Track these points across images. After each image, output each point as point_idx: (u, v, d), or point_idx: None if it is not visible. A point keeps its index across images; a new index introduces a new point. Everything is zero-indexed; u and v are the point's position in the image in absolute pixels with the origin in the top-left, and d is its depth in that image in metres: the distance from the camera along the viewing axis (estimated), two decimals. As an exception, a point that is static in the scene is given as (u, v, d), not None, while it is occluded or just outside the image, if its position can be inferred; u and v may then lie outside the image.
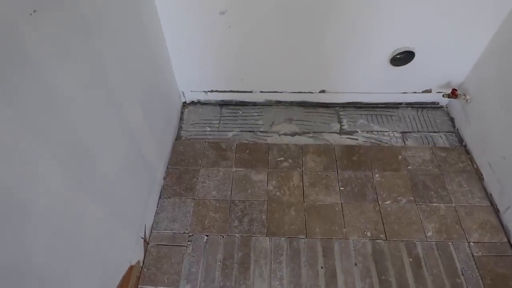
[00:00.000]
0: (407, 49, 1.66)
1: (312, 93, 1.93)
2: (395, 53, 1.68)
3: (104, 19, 1.01)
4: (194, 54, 1.72)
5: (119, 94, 1.13)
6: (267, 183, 1.64)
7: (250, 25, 1.58)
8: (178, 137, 1.84)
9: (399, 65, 1.75)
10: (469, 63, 1.74)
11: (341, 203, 1.57)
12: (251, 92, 1.93)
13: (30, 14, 0.69)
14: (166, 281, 1.34)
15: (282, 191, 1.61)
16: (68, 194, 0.85)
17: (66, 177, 0.84)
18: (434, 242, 1.46)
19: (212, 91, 1.94)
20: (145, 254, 1.39)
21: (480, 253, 1.42)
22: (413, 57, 1.70)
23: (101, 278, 1.04)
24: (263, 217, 1.52)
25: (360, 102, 1.99)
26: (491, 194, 1.58)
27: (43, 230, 0.77)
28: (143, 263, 1.38)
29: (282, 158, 1.73)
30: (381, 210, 1.55)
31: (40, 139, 0.75)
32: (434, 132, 1.89)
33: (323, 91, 1.92)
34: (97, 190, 1.00)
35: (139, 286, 1.32)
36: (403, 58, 1.71)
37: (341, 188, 1.62)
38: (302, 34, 1.61)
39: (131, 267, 1.26)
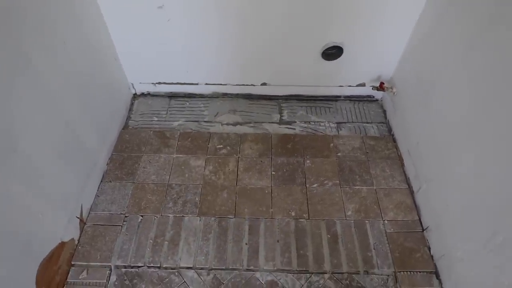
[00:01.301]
0: (336, 45, 1.80)
1: (254, 85, 2.05)
2: (325, 48, 1.81)
3: (28, 9, 1.10)
4: (139, 47, 1.82)
5: (48, 82, 1.22)
6: (205, 168, 1.75)
7: (189, 18, 1.68)
8: (125, 126, 1.94)
9: (331, 60, 1.88)
10: (395, 58, 1.88)
11: (271, 186, 1.70)
12: (197, 84, 2.03)
13: None
14: (99, 257, 1.44)
15: (217, 176, 1.72)
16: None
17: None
18: (352, 221, 1.59)
19: (160, 83, 2.04)
20: (81, 233, 1.49)
21: (392, 229, 1.57)
22: (342, 52, 1.83)
23: (23, 248, 1.13)
24: (197, 199, 1.63)
25: (302, 95, 2.12)
26: (408, 178, 1.73)
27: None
28: (79, 241, 1.47)
29: (221, 146, 1.85)
30: (308, 193, 1.68)
31: None
32: (367, 123, 2.03)
33: (264, 84, 2.04)
34: (19, 167, 1.09)
35: (72, 262, 1.41)
36: (334, 53, 1.84)
37: (273, 173, 1.75)
38: (241, 26, 1.72)
39: (63, 243, 1.35)
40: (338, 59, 1.87)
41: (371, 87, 1.99)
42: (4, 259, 1.06)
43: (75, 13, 1.41)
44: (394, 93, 1.90)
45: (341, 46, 1.80)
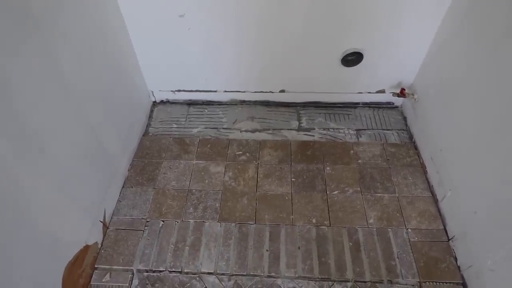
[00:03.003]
0: (356, 51, 1.79)
1: (272, 92, 2.06)
2: (344, 54, 1.81)
3: (57, 17, 1.14)
4: (160, 55, 1.86)
5: (74, 87, 1.26)
6: (224, 175, 1.75)
7: (208, 27, 1.71)
8: (146, 133, 1.97)
9: (351, 66, 1.88)
10: (416, 64, 1.87)
11: (291, 193, 1.69)
12: (215, 91, 2.06)
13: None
14: (121, 261, 1.45)
15: (237, 182, 1.72)
16: (13, 168, 0.97)
17: (12, 154, 0.96)
18: (374, 228, 1.56)
19: (179, 90, 2.07)
20: (104, 237, 1.51)
21: (416, 238, 1.53)
22: (362, 59, 1.83)
23: (50, 248, 1.15)
24: (217, 204, 1.63)
25: (320, 102, 2.12)
26: (432, 185, 1.69)
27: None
28: (102, 245, 1.49)
29: (241, 152, 1.86)
30: (328, 200, 1.66)
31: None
32: (388, 129, 2.01)
33: (283, 91, 2.05)
34: (47, 171, 1.12)
35: (95, 265, 1.43)
36: (354, 59, 1.84)
37: (293, 179, 1.74)
38: (260, 34, 1.74)
39: (87, 246, 1.37)
40: (358, 65, 1.87)
41: (392, 94, 1.98)
42: (32, 261, 1.08)
43: (101, 20, 1.45)
44: (415, 99, 1.88)
45: (361, 52, 1.80)
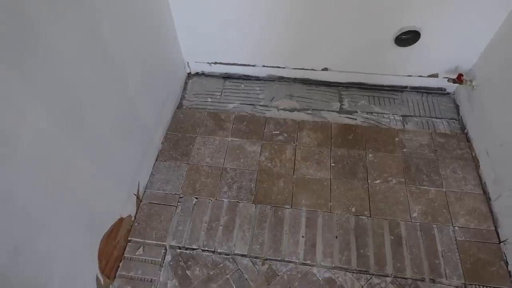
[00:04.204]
0: (413, 29, 1.63)
1: (314, 70, 1.93)
2: (400, 33, 1.65)
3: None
4: (200, 25, 1.75)
5: (115, 55, 1.19)
6: (260, 154, 1.68)
7: (255, -3, 1.58)
8: (180, 106, 1.90)
9: (405, 46, 1.71)
10: (478, 48, 1.69)
11: (331, 178, 1.60)
12: (254, 66, 1.95)
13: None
14: (154, 235, 1.42)
15: (273, 163, 1.65)
16: (55, 138, 0.93)
17: (53, 123, 0.92)
18: (418, 223, 1.47)
19: (216, 63, 1.97)
20: (137, 210, 1.48)
21: (463, 237, 1.43)
22: (419, 38, 1.66)
23: (87, 224, 1.13)
24: (252, 185, 1.57)
25: (364, 83, 1.98)
26: (485, 182, 1.56)
27: (27, 169, 0.84)
28: (135, 218, 1.47)
29: (278, 132, 1.76)
30: (369, 189, 1.56)
31: (29, 84, 0.82)
32: (437, 118, 1.85)
33: (325, 69, 1.91)
34: (85, 142, 1.07)
35: (129, 238, 1.41)
36: (409, 38, 1.67)
37: (332, 165, 1.64)
38: (308, 8, 1.61)
39: (121, 219, 1.35)
40: (412, 45, 1.70)
41: (447, 79, 1.80)
42: (70, 231, 1.05)
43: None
44: (473, 86, 1.71)
45: (418, 30, 1.63)
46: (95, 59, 1.08)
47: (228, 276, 1.33)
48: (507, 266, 1.35)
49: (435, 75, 1.87)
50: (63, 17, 0.91)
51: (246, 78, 2.02)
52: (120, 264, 1.35)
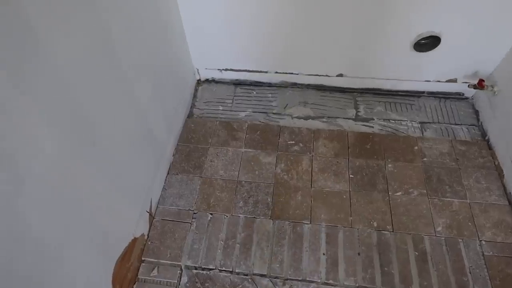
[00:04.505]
0: (433, 34, 1.56)
1: (329, 76, 1.86)
2: (419, 38, 1.58)
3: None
4: (210, 31, 1.68)
5: (125, 65, 1.12)
6: (276, 166, 1.62)
7: (268, 3, 1.51)
8: (190, 115, 1.83)
9: (423, 51, 1.65)
10: (500, 52, 1.62)
11: (350, 191, 1.54)
12: (266, 72, 1.88)
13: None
14: (169, 255, 1.36)
15: (290, 175, 1.59)
16: (66, 163, 0.86)
17: (65, 146, 0.85)
18: (443, 238, 1.41)
19: (227, 69, 1.90)
20: (150, 228, 1.42)
21: (491, 252, 1.37)
22: (438, 43, 1.60)
23: (100, 249, 1.07)
24: (269, 199, 1.51)
25: (380, 89, 1.91)
26: (510, 193, 1.50)
27: (38, 198, 0.78)
28: (148, 236, 1.41)
29: (293, 142, 1.70)
30: (391, 201, 1.50)
31: (38, 104, 0.75)
32: (456, 124, 1.79)
33: (340, 75, 1.84)
34: (98, 163, 1.01)
35: (142, 258, 1.35)
36: (428, 43, 1.61)
37: (351, 176, 1.58)
38: (322, 13, 1.54)
39: (135, 239, 1.29)
40: (431, 51, 1.64)
41: (467, 85, 1.74)
42: (84, 258, 0.99)
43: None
44: (495, 92, 1.64)
45: (439, 36, 1.56)
46: (106, 74, 1.02)
47: (248, 297, 1.27)
48: (537, 283, 1.30)
49: (454, 80, 1.80)
50: (74, 36, 0.84)
51: (258, 84, 1.96)
52: (135, 287, 1.29)
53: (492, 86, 1.65)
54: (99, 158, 1.01)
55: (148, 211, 1.40)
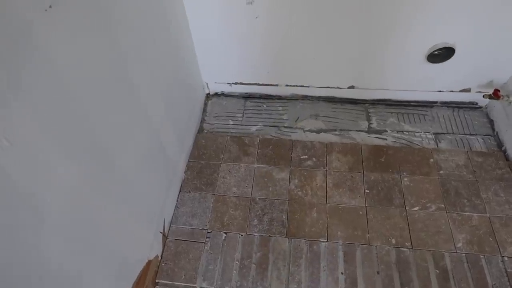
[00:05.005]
0: (447, 45, 1.54)
1: (340, 88, 1.84)
2: (433, 49, 1.56)
3: (123, 9, 0.97)
4: (219, 45, 1.67)
5: (139, 87, 1.10)
6: (290, 182, 1.59)
7: (278, 16, 1.50)
8: (200, 130, 1.82)
9: (437, 62, 1.62)
10: (515, 62, 1.59)
11: (366, 206, 1.51)
12: (276, 85, 1.86)
13: (46, 10, 0.66)
14: (183, 277, 1.34)
15: (304, 191, 1.56)
16: (85, 194, 0.84)
17: (82, 177, 0.83)
18: (464, 254, 1.37)
19: (236, 83, 1.89)
20: (163, 249, 1.40)
21: (514, 269, 1.33)
22: (452, 54, 1.57)
23: (118, 274, 1.05)
24: (284, 217, 1.48)
25: (391, 100, 1.89)
26: (531, 206, 1.46)
27: (57, 233, 0.76)
28: (161, 257, 1.38)
29: (306, 156, 1.67)
30: (408, 217, 1.47)
31: (55, 138, 0.73)
32: (471, 134, 1.76)
33: (352, 87, 1.82)
34: (115, 188, 0.99)
35: (156, 280, 1.32)
36: (442, 54, 1.58)
37: (367, 191, 1.55)
38: (333, 26, 1.52)
39: (149, 262, 1.26)
40: (445, 61, 1.61)
41: (482, 95, 1.71)
42: (101, 284, 0.97)
43: (162, 8, 1.27)
44: (510, 102, 1.61)
45: (453, 47, 1.54)
46: (117, 94, 0.99)
47: (266, 321, 1.24)
48: None
49: (467, 90, 1.78)
50: (83, 52, 0.82)
51: (268, 97, 1.94)
52: (150, 311, 1.26)
53: (508, 96, 1.62)
54: (114, 183, 0.99)
55: (162, 231, 1.38)
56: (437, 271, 1.34)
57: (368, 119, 1.84)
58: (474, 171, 1.61)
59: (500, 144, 1.70)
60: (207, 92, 1.97)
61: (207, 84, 1.91)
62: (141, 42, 1.10)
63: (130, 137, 1.07)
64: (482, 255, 1.37)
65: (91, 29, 0.82)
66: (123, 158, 1.03)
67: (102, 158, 0.91)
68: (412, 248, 1.39)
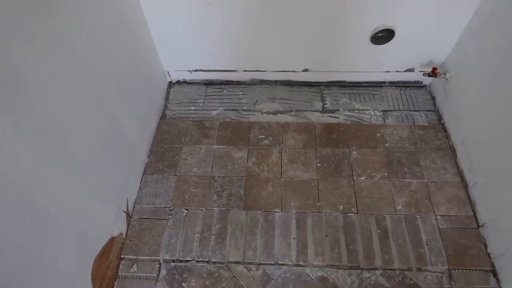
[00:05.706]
0: (387, 28, 1.67)
1: (295, 71, 1.95)
2: (375, 32, 1.69)
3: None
4: (176, 34, 1.74)
5: (92, 74, 1.18)
6: (247, 160, 1.70)
7: (230, 2, 1.58)
8: (163, 116, 1.90)
9: (380, 44, 1.76)
10: (450, 42, 1.74)
11: (317, 179, 1.64)
12: (234, 71, 1.96)
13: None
14: (147, 251, 1.43)
15: (261, 168, 1.67)
16: (36, 166, 0.92)
17: (33, 151, 0.91)
18: (402, 216, 1.53)
19: (196, 70, 1.97)
20: (128, 227, 1.49)
21: (445, 225, 1.50)
22: (393, 36, 1.71)
23: (79, 247, 1.13)
24: (241, 192, 1.59)
25: (344, 81, 2.02)
26: (462, 170, 1.63)
27: (11, 200, 0.84)
28: (126, 235, 1.47)
29: (263, 136, 1.79)
30: (355, 186, 1.61)
31: (12, 117, 0.81)
32: (415, 110, 1.92)
33: (306, 70, 1.94)
34: (71, 169, 1.07)
35: (122, 256, 1.42)
36: (384, 36, 1.71)
37: (318, 165, 1.68)
38: (284, 11, 1.62)
39: (113, 238, 1.35)
40: (388, 43, 1.75)
41: (422, 73, 1.86)
42: (61, 259, 1.05)
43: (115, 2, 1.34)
44: (447, 79, 1.77)
45: (392, 29, 1.67)
46: (71, 79, 1.07)
47: (224, 284, 1.36)
48: (486, 249, 1.43)
49: (411, 70, 1.93)
50: (35, 35, 0.90)
51: (228, 83, 2.03)
52: (115, 284, 1.36)
53: (445, 73, 1.78)
54: (68, 161, 1.07)
55: (125, 211, 1.47)
56: (379, 231, 1.49)
57: (323, 100, 1.97)
58: (416, 142, 1.76)
59: (440, 118, 1.86)
60: (169, 80, 2.04)
61: (168, 72, 1.98)
62: (93, 28, 1.17)
63: (82, 122, 1.14)
64: (418, 215, 1.53)
65: (36, 15, 0.89)
66: (77, 140, 1.10)
67: (52, 138, 0.98)
68: (357, 213, 1.54)
